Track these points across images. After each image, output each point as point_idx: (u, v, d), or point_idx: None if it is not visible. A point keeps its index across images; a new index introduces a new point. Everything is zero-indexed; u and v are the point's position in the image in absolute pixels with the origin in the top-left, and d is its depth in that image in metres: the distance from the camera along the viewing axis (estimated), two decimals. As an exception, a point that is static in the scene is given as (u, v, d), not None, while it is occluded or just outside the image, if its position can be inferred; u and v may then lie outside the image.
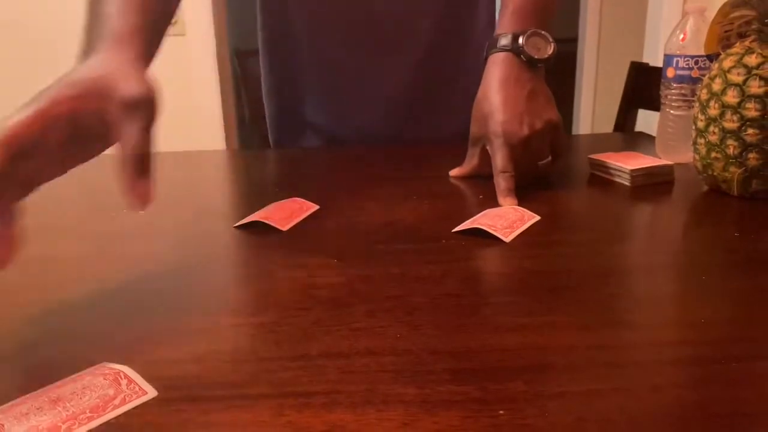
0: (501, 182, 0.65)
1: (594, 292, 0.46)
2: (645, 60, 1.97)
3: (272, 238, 0.58)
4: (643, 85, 1.17)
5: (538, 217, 0.60)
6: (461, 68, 0.96)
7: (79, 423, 0.32)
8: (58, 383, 0.34)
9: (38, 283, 0.50)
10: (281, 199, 0.66)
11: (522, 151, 0.67)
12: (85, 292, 0.48)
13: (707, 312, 0.42)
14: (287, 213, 0.63)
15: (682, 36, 0.77)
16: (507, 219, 0.58)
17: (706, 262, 0.52)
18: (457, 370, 0.36)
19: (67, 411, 0.32)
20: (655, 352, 0.38)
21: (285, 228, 0.60)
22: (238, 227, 0.60)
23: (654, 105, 0.87)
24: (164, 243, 0.59)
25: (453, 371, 0.36)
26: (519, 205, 0.63)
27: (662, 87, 0.80)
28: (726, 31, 0.67)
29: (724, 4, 0.67)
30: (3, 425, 0.31)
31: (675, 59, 0.77)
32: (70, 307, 0.45)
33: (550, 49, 0.70)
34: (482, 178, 0.71)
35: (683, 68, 0.76)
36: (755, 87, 0.60)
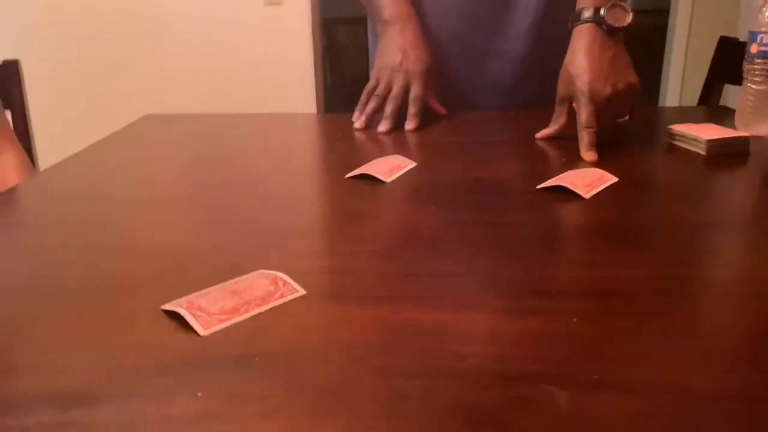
0: (585, 136, 0.73)
1: (659, 241, 0.53)
2: (738, 35, 1.93)
3: (379, 188, 0.67)
4: (731, 60, 1.18)
5: (616, 179, 0.66)
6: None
7: (252, 307, 0.42)
8: (233, 281, 0.45)
9: (204, 216, 0.62)
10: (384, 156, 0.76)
11: (605, 109, 0.74)
12: (238, 221, 0.59)
13: (755, 260, 0.49)
14: (390, 167, 0.72)
15: (767, 13, 0.81)
16: (587, 178, 0.65)
17: (765, 224, 0.58)
18: (537, 290, 0.45)
19: (243, 299, 0.43)
20: (704, 287, 0.45)
21: (388, 180, 0.69)
22: (350, 178, 0.70)
23: (740, 80, 0.90)
24: (292, 188, 0.70)
25: (534, 291, 0.44)
26: (600, 166, 0.70)
27: (745, 62, 0.84)
28: (809, 10, 0.70)
29: (810, -16, 0.70)
30: (200, 304, 0.42)
31: (759, 35, 0.81)
32: (230, 232, 0.57)
33: (629, 18, 0.78)
34: (566, 140, 0.78)
35: (766, 44, 0.80)
36: (832, 64, 0.64)
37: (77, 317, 0.42)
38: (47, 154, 1.17)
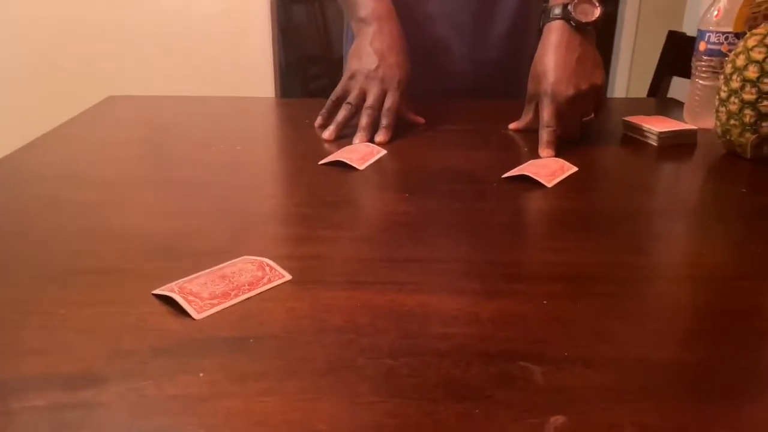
0: (543, 135, 0.76)
1: (617, 228, 0.57)
2: (685, 29, 2.02)
3: (352, 174, 0.70)
4: (679, 54, 1.25)
5: (575, 168, 0.71)
6: None
7: (242, 292, 0.44)
8: (220, 266, 0.47)
9: (179, 199, 0.63)
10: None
11: (567, 109, 0.77)
12: (215, 205, 0.60)
13: (705, 245, 0.54)
14: (362, 155, 0.74)
15: (716, 13, 0.86)
16: (550, 168, 0.69)
17: (713, 210, 0.63)
18: (510, 274, 0.48)
19: (232, 284, 0.45)
20: (660, 272, 0.50)
21: (361, 167, 0.71)
22: (323, 164, 0.72)
23: (687, 73, 0.96)
24: (265, 174, 0.71)
25: (507, 275, 0.48)
26: (560, 155, 0.74)
27: (694, 59, 0.89)
28: (753, 13, 0.76)
29: (754, -11, 0.75)
30: (192, 289, 0.44)
31: (707, 34, 0.86)
32: (208, 217, 0.58)
33: (597, 12, 0.80)
34: (532, 132, 0.82)
35: (714, 43, 0.85)
36: (773, 65, 0.70)
37: (71, 301, 0.43)
38: (3, 137, 1.14)
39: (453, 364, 0.37)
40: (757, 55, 0.71)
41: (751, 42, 0.72)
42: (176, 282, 0.45)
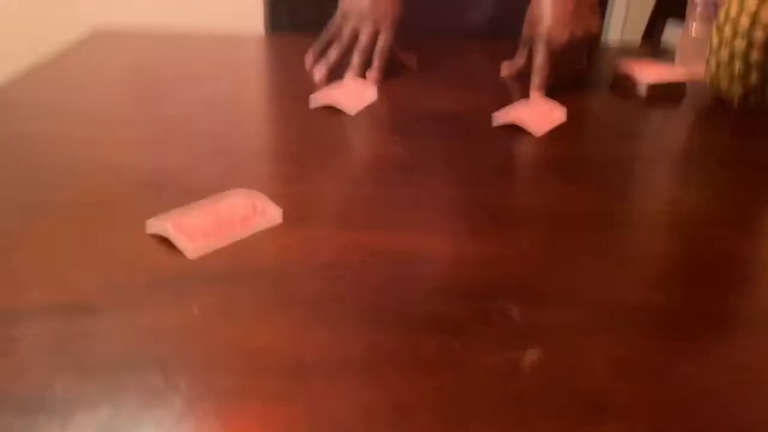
0: (535, 78, 0.77)
1: (600, 175, 0.59)
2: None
3: (343, 117, 0.70)
4: (676, -2, 1.23)
5: (564, 116, 0.71)
6: None
7: (234, 228, 0.45)
8: (211, 199, 0.48)
9: (168, 135, 0.64)
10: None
11: (560, 54, 0.77)
12: (206, 141, 0.61)
13: (686, 192, 0.56)
14: (353, 99, 0.74)
15: (713, -43, 0.85)
16: (539, 110, 0.70)
17: (697, 158, 0.64)
18: (495, 216, 0.49)
19: (223, 219, 0.46)
20: (640, 218, 0.51)
21: (353, 113, 0.71)
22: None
23: (683, 15, 0.95)
24: (257, 112, 0.71)
25: (492, 217, 0.49)
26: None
27: (689, 4, 0.88)
28: (751, -40, 0.75)
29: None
30: (185, 226, 0.45)
31: (704, -21, 0.85)
32: (199, 152, 0.59)
33: None
34: (524, 75, 0.82)
35: (710, -12, 0.85)
36: (766, 16, 0.70)
37: (63, 232, 0.44)
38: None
39: (436, 301, 0.39)
40: (750, 5, 0.71)
41: (746, -10, 0.72)
42: (169, 214, 0.45)
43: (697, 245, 0.47)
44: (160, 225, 0.44)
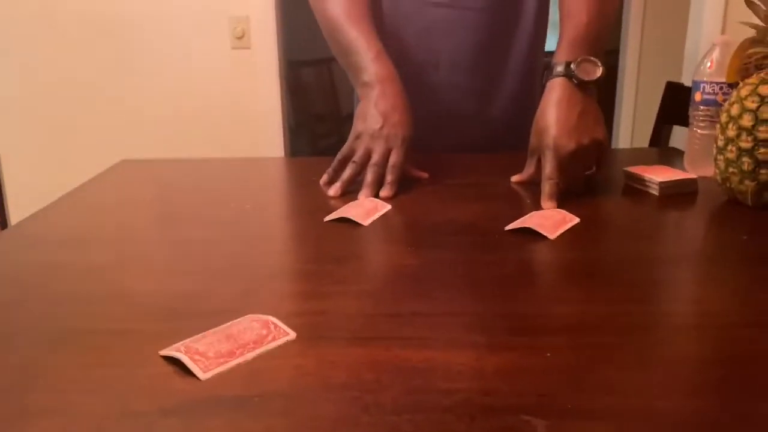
0: (546, 187, 0.78)
1: (620, 278, 0.58)
2: (684, 79, 2.05)
3: (357, 230, 0.71)
4: (678, 104, 1.27)
5: (578, 219, 0.71)
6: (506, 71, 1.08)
7: (247, 350, 0.45)
8: (226, 325, 0.48)
9: (186, 259, 0.65)
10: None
11: (569, 163, 0.79)
12: (223, 265, 0.62)
13: (708, 293, 0.54)
14: (366, 210, 0.76)
15: (709, 64, 0.88)
16: (552, 219, 0.70)
17: (716, 257, 0.63)
18: (513, 327, 0.48)
19: (237, 343, 0.46)
20: (662, 320, 0.50)
21: (366, 223, 0.73)
22: (328, 221, 0.73)
23: (686, 122, 0.98)
24: (273, 231, 0.73)
25: (511, 328, 0.48)
26: (562, 206, 0.75)
27: (690, 108, 0.91)
28: (744, 64, 0.78)
29: (744, 41, 0.77)
30: (198, 348, 0.44)
31: (702, 85, 0.88)
32: (216, 275, 0.59)
33: (599, 72, 0.83)
34: (534, 184, 0.83)
35: (709, 93, 0.87)
36: (767, 113, 0.71)
37: (80, 363, 0.44)
38: (18, 201, 1.17)
39: (457, 418, 0.37)
40: (750, 104, 0.73)
41: (744, 91, 0.74)
42: (182, 342, 0.45)
43: (725, 347, 0.45)
44: (172, 350, 0.44)
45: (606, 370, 0.42)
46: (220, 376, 0.42)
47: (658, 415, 0.37)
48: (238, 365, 0.43)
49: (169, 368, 0.43)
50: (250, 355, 0.44)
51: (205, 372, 0.42)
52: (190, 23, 2.31)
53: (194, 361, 0.43)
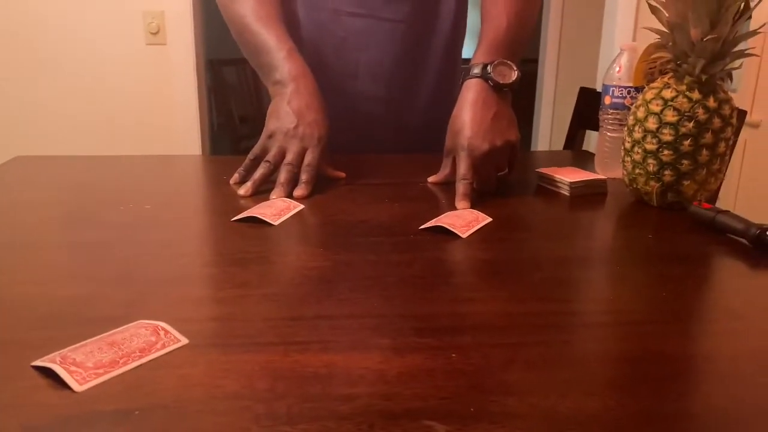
0: (459, 187, 0.77)
1: (528, 276, 0.57)
2: (598, 85, 2.12)
3: (266, 230, 0.68)
4: (591, 108, 1.30)
5: (490, 219, 0.71)
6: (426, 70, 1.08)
7: (132, 359, 0.41)
8: (110, 332, 0.44)
9: (77, 263, 0.59)
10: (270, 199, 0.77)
11: (482, 163, 0.79)
12: (118, 269, 0.57)
13: (615, 291, 0.54)
14: (277, 210, 0.73)
15: (618, 69, 0.90)
16: (465, 219, 0.69)
17: (622, 256, 0.64)
18: (420, 328, 0.47)
19: (122, 351, 0.42)
20: (569, 318, 0.49)
21: (276, 223, 0.70)
22: (236, 221, 0.70)
23: (598, 126, 1.00)
24: (174, 233, 0.68)
25: (417, 329, 0.46)
26: (475, 208, 0.74)
27: (601, 112, 0.93)
28: (650, 68, 0.80)
29: (649, 46, 0.80)
30: (75, 359, 0.40)
31: (611, 89, 0.90)
32: (107, 280, 0.55)
33: (514, 76, 0.84)
34: (449, 185, 0.82)
35: (618, 97, 0.89)
36: (670, 116, 0.73)
37: (-67, 380, 0.39)
38: None
39: (354, 426, 0.35)
40: (655, 107, 0.74)
41: (649, 95, 0.76)
42: (59, 352, 0.41)
43: (628, 344, 0.45)
44: (46, 360, 0.40)
45: (511, 371, 0.41)
46: (98, 388, 0.38)
47: (561, 415, 0.36)
48: (120, 376, 0.40)
49: (42, 381, 0.39)
50: (134, 364, 0.41)
51: (81, 384, 0.38)
52: (101, 18, 2.20)
53: (69, 372, 0.39)
